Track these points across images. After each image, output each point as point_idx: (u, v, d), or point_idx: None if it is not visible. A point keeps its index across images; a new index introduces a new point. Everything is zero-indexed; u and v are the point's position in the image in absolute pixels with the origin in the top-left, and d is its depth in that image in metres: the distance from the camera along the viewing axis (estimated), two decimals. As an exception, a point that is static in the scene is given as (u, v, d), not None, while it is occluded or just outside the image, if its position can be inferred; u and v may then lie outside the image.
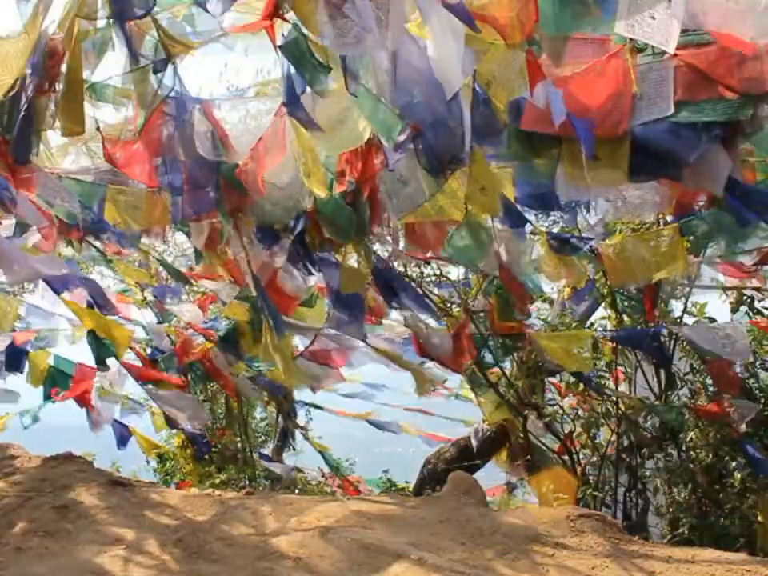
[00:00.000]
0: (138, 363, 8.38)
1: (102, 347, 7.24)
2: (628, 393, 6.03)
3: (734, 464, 5.18)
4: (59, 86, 4.41)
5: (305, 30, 3.65)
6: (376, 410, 9.64)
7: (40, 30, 4.02)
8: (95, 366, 7.65)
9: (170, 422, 8.58)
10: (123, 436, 8.69)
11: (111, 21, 4.08)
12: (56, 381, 8.01)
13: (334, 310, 6.01)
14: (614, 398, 5.82)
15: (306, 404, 10.15)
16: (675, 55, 3.07)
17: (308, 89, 4.00)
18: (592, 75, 3.28)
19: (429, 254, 6.07)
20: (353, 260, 5.95)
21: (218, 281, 7.40)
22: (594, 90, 3.25)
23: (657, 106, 3.14)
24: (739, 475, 5.08)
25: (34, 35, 4.00)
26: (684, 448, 5.45)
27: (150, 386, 7.75)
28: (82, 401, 8.14)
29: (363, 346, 6.86)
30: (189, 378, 8.53)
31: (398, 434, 9.79)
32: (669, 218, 5.21)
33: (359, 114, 4.05)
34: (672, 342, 5.59)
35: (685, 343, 5.40)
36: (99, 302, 7.00)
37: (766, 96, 3.01)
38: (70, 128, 4.32)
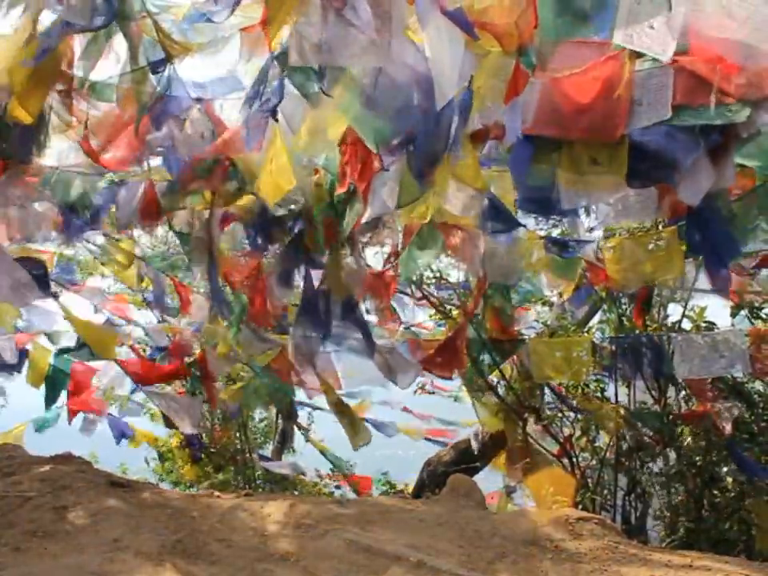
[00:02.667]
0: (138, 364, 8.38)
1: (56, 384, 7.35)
2: (627, 396, 6.04)
3: (725, 469, 5.19)
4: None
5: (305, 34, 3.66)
6: (368, 402, 9.59)
7: (36, 29, 4.00)
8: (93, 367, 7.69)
9: (168, 423, 8.59)
10: (122, 432, 8.72)
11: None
12: (56, 380, 8.00)
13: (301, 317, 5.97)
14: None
15: (307, 405, 10.14)
16: (675, 61, 3.09)
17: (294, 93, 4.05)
18: (589, 77, 3.30)
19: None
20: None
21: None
22: (590, 91, 3.26)
23: (656, 111, 3.15)
24: (731, 479, 5.09)
25: (26, 33, 3.97)
26: (681, 452, 5.46)
27: (149, 389, 7.74)
28: (81, 407, 8.14)
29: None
30: (188, 378, 8.53)
31: (393, 436, 9.76)
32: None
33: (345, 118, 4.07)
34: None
35: (682, 347, 5.40)
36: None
37: (764, 102, 3.03)
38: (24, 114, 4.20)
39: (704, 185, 3.33)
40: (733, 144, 3.25)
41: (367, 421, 9.81)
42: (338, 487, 9.93)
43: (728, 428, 5.00)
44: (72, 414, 8.03)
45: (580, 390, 6.08)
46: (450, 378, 6.75)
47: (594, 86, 3.22)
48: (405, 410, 9.84)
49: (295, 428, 10.57)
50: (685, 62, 3.08)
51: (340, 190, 4.91)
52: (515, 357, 6.49)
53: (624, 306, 6.11)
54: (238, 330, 6.34)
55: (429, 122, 3.57)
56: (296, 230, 5.64)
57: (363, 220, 4.81)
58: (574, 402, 6.12)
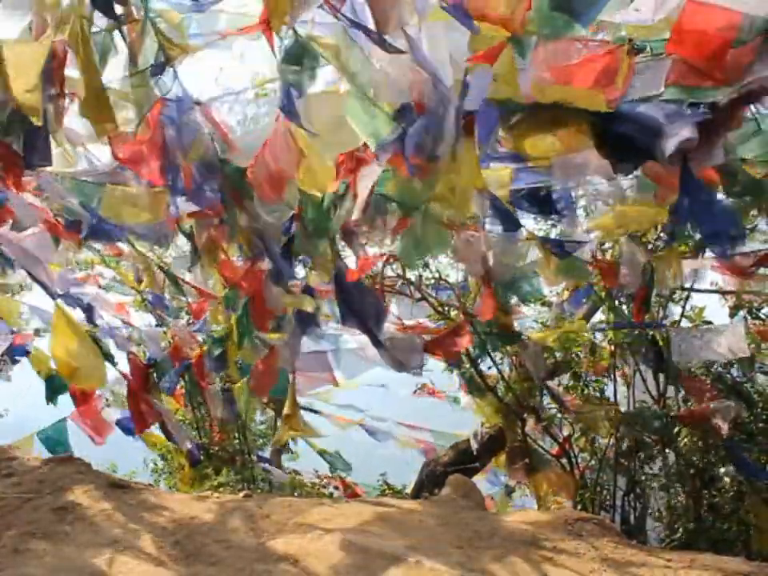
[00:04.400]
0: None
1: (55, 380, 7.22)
2: (626, 396, 6.05)
3: (723, 469, 5.19)
4: (67, 90, 4.40)
5: (303, 33, 3.68)
6: (363, 418, 9.65)
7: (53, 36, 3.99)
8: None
9: (167, 435, 8.56)
10: (128, 428, 8.65)
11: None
12: (58, 382, 7.96)
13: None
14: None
15: (304, 408, 10.11)
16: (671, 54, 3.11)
17: (306, 91, 4.04)
18: (586, 65, 3.28)
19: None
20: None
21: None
22: (586, 78, 3.25)
23: (647, 88, 3.18)
24: (729, 479, 5.09)
25: (47, 41, 3.97)
26: (681, 453, 5.46)
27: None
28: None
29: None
30: (185, 380, 8.50)
31: (385, 441, 9.74)
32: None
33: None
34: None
35: (682, 347, 5.40)
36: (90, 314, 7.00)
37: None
38: (102, 128, 4.23)
39: (685, 136, 3.21)
40: (723, 124, 3.23)
41: (363, 426, 9.86)
42: (336, 488, 9.92)
43: (725, 428, 5.00)
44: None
45: (579, 391, 6.09)
46: (454, 361, 6.72)
47: (589, 74, 3.21)
48: (400, 423, 9.86)
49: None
50: (681, 51, 3.09)
51: (330, 189, 4.86)
52: (515, 357, 6.50)
53: (623, 307, 6.11)
54: (245, 334, 6.33)
55: (430, 118, 3.55)
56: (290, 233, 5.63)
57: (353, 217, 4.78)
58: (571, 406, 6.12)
